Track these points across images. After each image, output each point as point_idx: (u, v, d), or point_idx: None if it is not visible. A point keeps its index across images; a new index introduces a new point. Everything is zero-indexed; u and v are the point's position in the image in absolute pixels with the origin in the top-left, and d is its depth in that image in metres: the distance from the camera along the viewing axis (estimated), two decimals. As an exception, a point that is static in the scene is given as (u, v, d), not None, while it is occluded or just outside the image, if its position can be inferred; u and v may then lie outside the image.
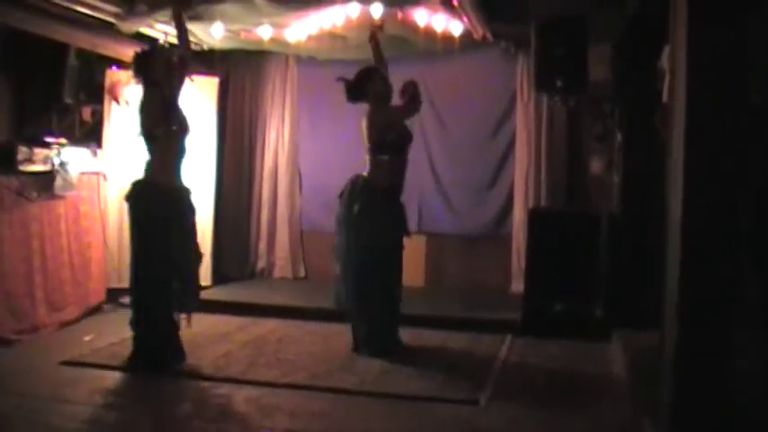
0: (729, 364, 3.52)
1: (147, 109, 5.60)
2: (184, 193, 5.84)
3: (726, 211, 3.54)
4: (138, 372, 5.47)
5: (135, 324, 5.57)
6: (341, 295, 6.19)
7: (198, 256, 5.91)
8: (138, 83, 5.77)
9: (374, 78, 6.26)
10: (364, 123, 6.20)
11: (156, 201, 5.58)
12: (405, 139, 6.29)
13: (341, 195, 6.26)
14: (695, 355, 3.58)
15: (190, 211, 5.85)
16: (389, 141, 6.15)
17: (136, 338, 5.57)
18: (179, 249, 5.63)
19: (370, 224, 6.01)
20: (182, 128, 5.74)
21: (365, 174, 6.19)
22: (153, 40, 7.61)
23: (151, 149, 5.66)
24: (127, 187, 5.80)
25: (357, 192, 6.12)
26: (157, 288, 5.51)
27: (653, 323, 4.39)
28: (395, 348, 6.08)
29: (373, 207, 6.06)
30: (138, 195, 5.64)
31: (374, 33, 6.52)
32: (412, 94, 6.40)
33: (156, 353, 5.52)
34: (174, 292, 5.59)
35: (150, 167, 5.68)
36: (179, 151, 5.75)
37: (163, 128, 5.55)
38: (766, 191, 3.63)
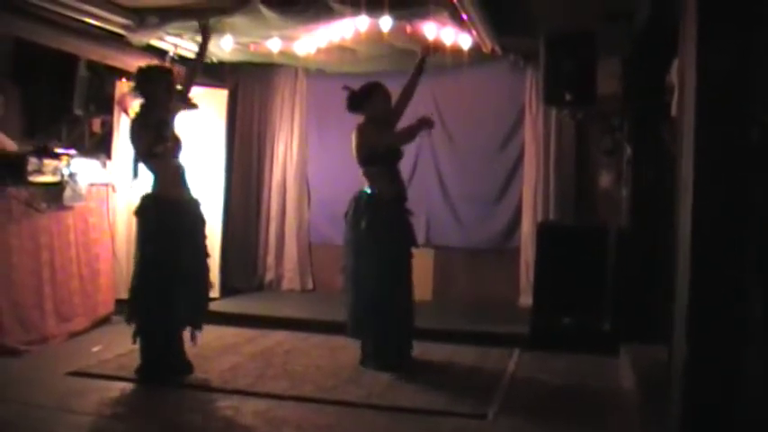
0: (739, 379, 3.50)
1: (143, 129, 5.60)
2: (194, 205, 5.86)
3: (735, 225, 3.53)
4: (146, 383, 5.47)
5: (137, 336, 5.58)
6: (350, 310, 6.16)
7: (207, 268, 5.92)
8: (136, 98, 5.78)
9: (377, 94, 6.27)
10: (354, 136, 6.20)
11: (166, 214, 5.59)
12: (395, 154, 6.25)
13: (346, 215, 6.24)
14: (704, 369, 3.56)
15: (200, 222, 5.87)
16: (379, 156, 6.13)
17: (142, 350, 5.58)
18: (190, 262, 5.64)
19: (378, 239, 5.99)
20: (176, 144, 5.77)
21: (366, 188, 6.17)
22: (163, 53, 7.66)
23: (154, 167, 5.69)
24: (136, 199, 5.82)
25: (362, 207, 6.10)
26: (162, 302, 5.50)
27: (661, 337, 4.38)
28: (402, 364, 6.06)
29: (380, 221, 6.03)
30: (148, 209, 5.65)
31: (425, 55, 6.51)
32: (413, 127, 6.24)
33: (159, 365, 5.52)
34: (178, 306, 5.58)
35: (157, 182, 5.71)
36: (179, 165, 5.78)
37: (161, 146, 5.56)
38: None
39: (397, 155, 6.26)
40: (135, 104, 7.73)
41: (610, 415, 5.05)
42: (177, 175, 5.75)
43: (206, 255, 5.88)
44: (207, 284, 5.88)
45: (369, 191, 6.14)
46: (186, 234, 5.66)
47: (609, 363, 6.36)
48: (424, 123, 6.13)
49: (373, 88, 6.29)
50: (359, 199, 6.15)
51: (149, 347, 5.54)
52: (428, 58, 6.48)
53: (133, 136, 5.65)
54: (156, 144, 5.53)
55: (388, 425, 4.80)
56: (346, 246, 6.23)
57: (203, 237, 5.88)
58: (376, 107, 6.23)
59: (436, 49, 6.53)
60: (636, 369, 5.69)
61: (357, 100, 6.28)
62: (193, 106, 5.99)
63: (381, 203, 6.08)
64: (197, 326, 5.77)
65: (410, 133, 6.25)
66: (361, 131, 6.18)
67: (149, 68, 5.90)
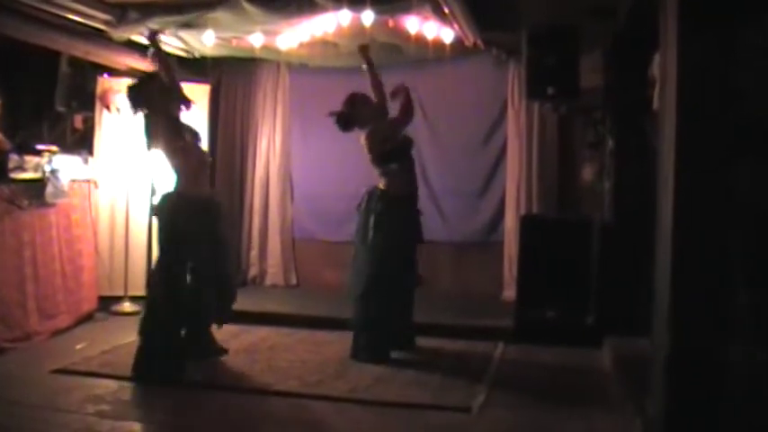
0: (719, 371, 3.53)
1: (156, 131, 5.63)
2: (214, 203, 5.93)
3: (716, 217, 3.56)
4: (143, 380, 5.45)
5: (143, 332, 5.58)
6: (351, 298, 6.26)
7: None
8: (137, 113, 5.77)
9: (357, 105, 6.38)
10: (363, 140, 6.31)
11: (187, 212, 5.60)
12: (406, 144, 6.37)
13: (358, 206, 6.33)
14: (685, 362, 3.59)
15: (221, 220, 5.93)
16: (390, 151, 6.22)
17: (144, 347, 5.57)
18: (211, 259, 5.68)
19: (385, 233, 6.07)
20: (194, 137, 5.81)
21: (380, 184, 6.25)
22: (144, 48, 7.63)
23: (175, 165, 5.73)
24: (156, 199, 5.89)
25: (374, 202, 6.18)
26: (184, 302, 5.55)
27: (644, 330, 4.40)
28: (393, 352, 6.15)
29: (388, 216, 6.12)
30: (168, 208, 5.67)
31: (364, 53, 6.56)
32: (404, 103, 6.44)
33: (162, 363, 5.49)
34: (202, 304, 5.65)
35: (178, 180, 5.73)
36: (200, 161, 5.80)
37: (179, 142, 5.59)
38: (758, 198, 3.64)
39: (410, 144, 6.40)
40: (117, 101, 7.78)
41: (593, 407, 5.07)
42: (200, 171, 5.78)
43: (228, 251, 5.98)
44: (230, 281, 6.00)
45: (383, 186, 6.22)
46: (205, 232, 5.67)
47: (592, 355, 6.40)
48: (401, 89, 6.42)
49: (350, 103, 6.40)
50: (371, 194, 6.25)
51: (159, 344, 5.52)
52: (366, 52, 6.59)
53: (150, 140, 5.66)
54: (173, 140, 5.56)
55: (373, 419, 4.81)
56: (355, 236, 6.33)
57: (225, 234, 5.97)
58: (363, 115, 6.33)
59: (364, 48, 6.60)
60: (619, 361, 5.72)
61: (345, 120, 6.39)
62: (189, 101, 5.98)
63: (392, 199, 6.18)
64: (222, 322, 5.91)
65: (405, 104, 6.44)
66: (371, 133, 6.28)
67: (136, 82, 5.93)
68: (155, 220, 5.85)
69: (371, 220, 6.12)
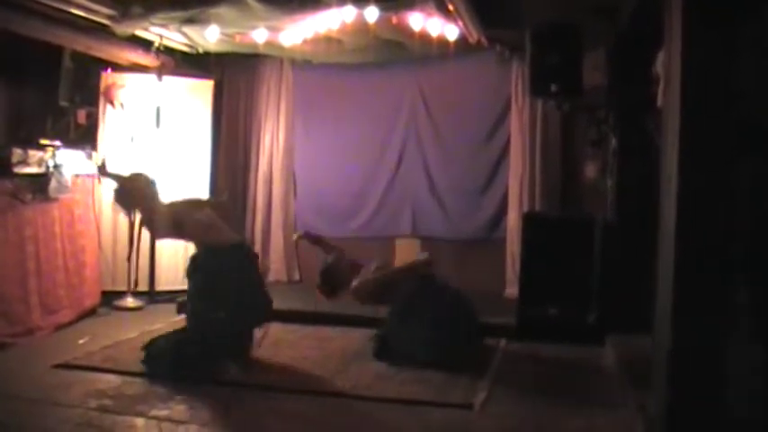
0: (721, 369, 3.53)
1: (155, 223, 5.73)
2: (241, 247, 5.99)
3: (720, 217, 3.56)
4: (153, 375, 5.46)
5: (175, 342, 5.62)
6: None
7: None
8: (130, 214, 5.86)
9: (333, 276, 6.57)
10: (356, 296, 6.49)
11: (217, 264, 5.65)
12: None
13: None
14: (687, 360, 3.59)
15: (252, 261, 6.01)
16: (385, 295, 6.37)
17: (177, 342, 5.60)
18: (243, 306, 5.69)
19: None
20: (186, 208, 5.87)
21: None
22: (148, 44, 7.64)
23: (186, 238, 5.98)
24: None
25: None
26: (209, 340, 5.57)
27: (646, 328, 4.40)
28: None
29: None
30: (195, 269, 5.72)
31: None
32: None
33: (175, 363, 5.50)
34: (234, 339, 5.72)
35: (198, 247, 5.87)
36: (207, 217, 5.84)
37: (182, 227, 5.75)
38: (761, 197, 3.64)
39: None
40: (120, 96, 7.79)
41: (595, 405, 5.07)
42: (211, 226, 5.78)
43: (264, 290, 6.05)
44: (262, 314, 5.99)
45: None
46: (237, 278, 5.69)
47: (594, 353, 6.39)
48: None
49: (326, 274, 6.64)
50: None
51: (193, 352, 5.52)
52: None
53: (156, 232, 5.71)
54: (176, 228, 5.65)
55: (375, 415, 4.81)
56: None
57: (258, 274, 6.08)
58: (341, 281, 6.52)
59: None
60: (621, 359, 5.72)
61: (331, 289, 6.60)
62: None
63: None
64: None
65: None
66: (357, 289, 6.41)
67: (119, 186, 6.08)
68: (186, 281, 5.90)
69: None
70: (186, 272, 5.78)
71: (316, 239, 7.02)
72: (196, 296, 5.70)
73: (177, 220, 5.68)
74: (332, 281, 6.51)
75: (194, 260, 5.76)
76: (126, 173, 6.34)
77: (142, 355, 5.60)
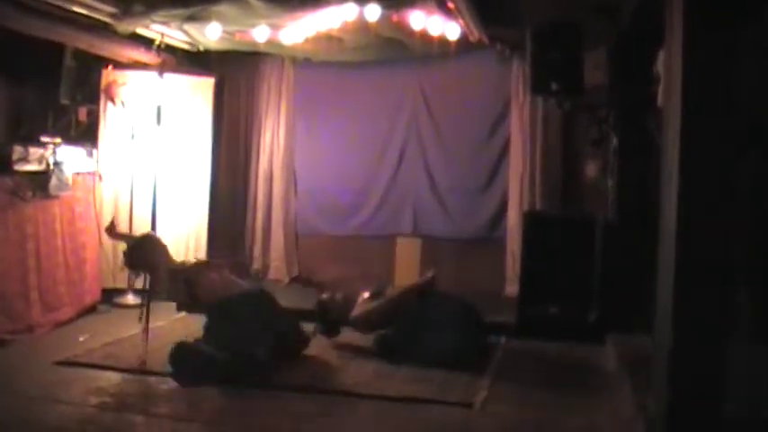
0: (721, 369, 3.53)
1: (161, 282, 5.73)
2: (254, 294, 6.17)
3: (720, 216, 3.56)
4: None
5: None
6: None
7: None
8: (138, 276, 5.87)
9: (329, 313, 6.53)
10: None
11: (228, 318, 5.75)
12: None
13: None
14: (687, 359, 3.59)
15: (270, 308, 6.09)
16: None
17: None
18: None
19: None
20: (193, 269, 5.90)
21: None
22: (149, 42, 7.65)
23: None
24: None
25: None
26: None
27: (647, 327, 4.40)
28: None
29: None
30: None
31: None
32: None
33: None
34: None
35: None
36: (218, 276, 5.86)
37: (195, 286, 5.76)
38: (761, 196, 3.64)
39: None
40: (121, 94, 7.79)
41: (595, 403, 5.08)
42: (223, 283, 5.79)
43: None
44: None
45: None
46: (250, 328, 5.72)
47: (594, 352, 6.40)
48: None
49: (322, 309, 6.59)
50: None
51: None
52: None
53: (168, 293, 5.71)
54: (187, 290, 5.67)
55: (375, 413, 4.82)
56: None
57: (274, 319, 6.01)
58: (339, 316, 6.52)
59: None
60: (621, 358, 5.72)
61: (331, 326, 6.53)
62: None
63: None
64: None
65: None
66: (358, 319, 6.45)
67: (127, 249, 6.04)
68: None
69: None
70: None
71: (306, 281, 6.99)
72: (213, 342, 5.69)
73: (190, 281, 5.68)
74: (329, 318, 6.47)
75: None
76: (135, 234, 6.33)
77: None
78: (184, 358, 5.46)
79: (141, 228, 7.96)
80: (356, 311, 6.34)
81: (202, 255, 8.45)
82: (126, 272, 7.82)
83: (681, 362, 3.61)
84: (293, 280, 6.94)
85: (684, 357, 3.60)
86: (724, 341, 3.54)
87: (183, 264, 5.87)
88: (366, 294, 6.50)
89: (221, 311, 5.76)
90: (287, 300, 7.93)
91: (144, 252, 5.90)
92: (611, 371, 5.81)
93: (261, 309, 5.91)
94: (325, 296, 6.59)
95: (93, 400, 4.86)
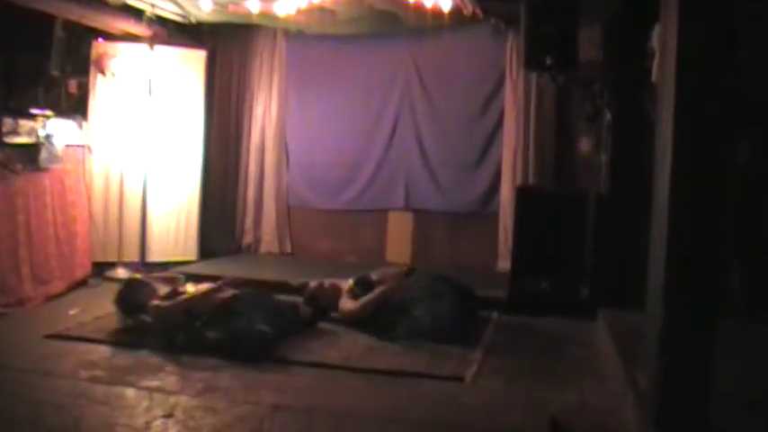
0: (712, 344, 3.54)
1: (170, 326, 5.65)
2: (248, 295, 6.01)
3: (713, 193, 3.55)
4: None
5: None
6: None
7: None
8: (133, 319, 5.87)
9: (319, 299, 6.48)
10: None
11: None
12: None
13: None
14: (679, 336, 3.59)
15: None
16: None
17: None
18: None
19: None
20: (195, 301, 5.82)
21: None
22: (139, 13, 7.57)
23: None
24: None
25: None
26: None
27: (638, 302, 4.40)
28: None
29: None
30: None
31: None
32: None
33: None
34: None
35: None
36: (220, 301, 5.81)
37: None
38: (755, 173, 3.63)
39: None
40: (112, 66, 7.73)
41: (586, 379, 5.09)
42: (222, 307, 5.75)
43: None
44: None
45: None
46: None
47: (586, 327, 6.40)
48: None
49: (311, 297, 6.54)
50: None
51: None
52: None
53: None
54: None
55: (366, 387, 4.83)
56: None
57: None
58: (326, 301, 6.49)
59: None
60: (613, 334, 5.73)
61: (320, 312, 6.44)
62: None
63: None
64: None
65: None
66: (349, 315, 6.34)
67: (118, 293, 6.05)
68: None
69: None
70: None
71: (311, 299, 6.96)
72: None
73: (189, 309, 5.64)
74: (318, 305, 6.46)
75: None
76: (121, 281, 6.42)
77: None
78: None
79: (132, 200, 7.98)
80: (344, 307, 6.31)
81: (194, 229, 8.47)
82: (117, 245, 7.85)
83: (672, 337, 3.61)
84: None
85: (675, 333, 3.60)
86: (715, 317, 3.54)
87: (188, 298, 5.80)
88: (347, 286, 6.48)
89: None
90: (282, 273, 7.97)
91: (131, 297, 5.93)
92: (602, 346, 5.82)
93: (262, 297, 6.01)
94: (313, 284, 6.58)
95: (85, 374, 4.86)
